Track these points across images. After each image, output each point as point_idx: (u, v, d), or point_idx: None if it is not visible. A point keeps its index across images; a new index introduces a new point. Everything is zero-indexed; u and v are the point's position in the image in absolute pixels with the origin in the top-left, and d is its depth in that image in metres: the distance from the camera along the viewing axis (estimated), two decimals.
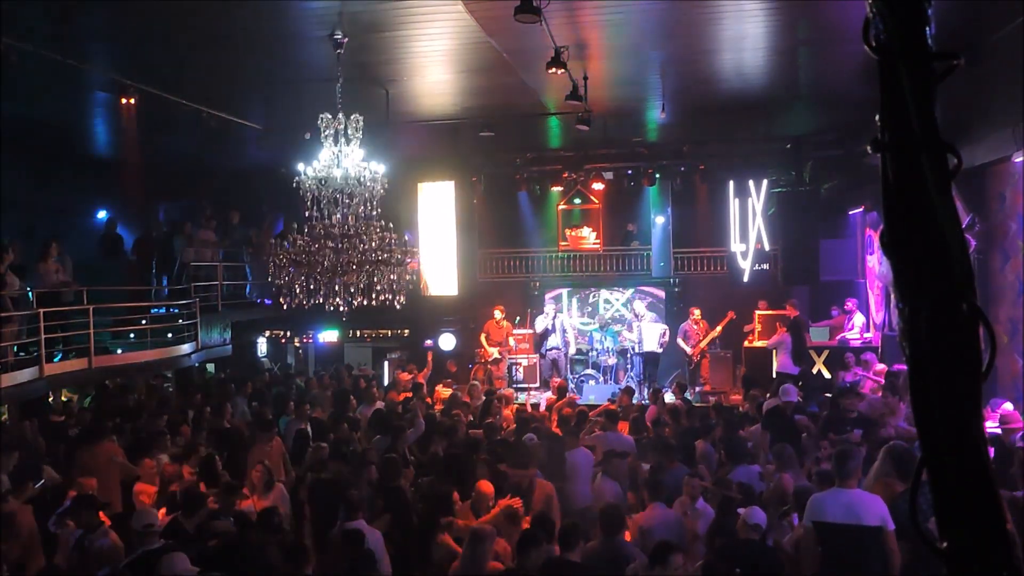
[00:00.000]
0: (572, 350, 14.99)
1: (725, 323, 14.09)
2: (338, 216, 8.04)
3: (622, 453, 7.25)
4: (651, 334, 14.18)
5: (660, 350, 14.21)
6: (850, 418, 8.22)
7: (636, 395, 13.60)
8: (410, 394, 11.10)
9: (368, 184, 8.06)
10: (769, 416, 8.62)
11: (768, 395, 9.90)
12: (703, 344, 14.19)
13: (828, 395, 10.24)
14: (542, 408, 11.25)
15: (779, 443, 7.03)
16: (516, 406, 10.92)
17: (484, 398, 10.53)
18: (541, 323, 14.85)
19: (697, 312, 14.42)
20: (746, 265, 14.22)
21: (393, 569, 5.52)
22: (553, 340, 14.65)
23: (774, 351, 12.92)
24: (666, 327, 14.60)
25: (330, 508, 6.15)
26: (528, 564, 4.80)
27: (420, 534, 5.75)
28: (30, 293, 10.10)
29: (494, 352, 14.31)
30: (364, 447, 8.16)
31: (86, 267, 11.73)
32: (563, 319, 15.12)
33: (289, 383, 12.72)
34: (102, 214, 14.46)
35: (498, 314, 14.65)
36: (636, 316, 14.70)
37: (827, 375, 12.56)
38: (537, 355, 14.91)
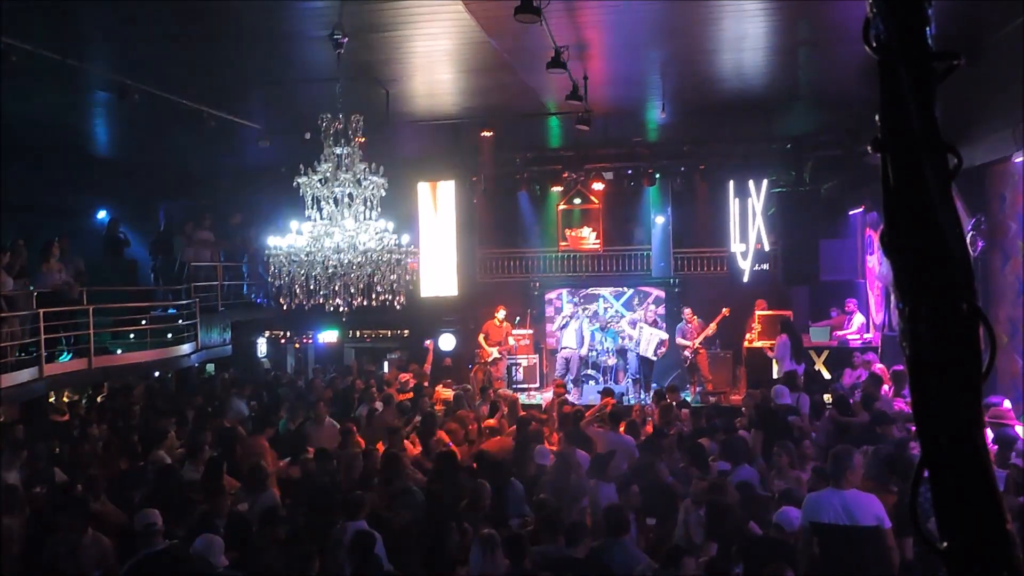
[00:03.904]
0: (584, 351, 15.00)
1: (719, 319, 14.02)
2: (338, 216, 8.03)
3: (611, 453, 7.19)
4: (650, 340, 14.11)
5: (655, 359, 14.15)
6: (854, 437, 7.80)
7: (636, 396, 13.65)
8: (411, 395, 11.08)
9: (368, 184, 8.05)
10: (763, 417, 8.60)
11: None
12: (697, 342, 14.05)
13: (825, 395, 10.21)
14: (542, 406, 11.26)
15: (777, 443, 7.03)
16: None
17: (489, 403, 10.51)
18: (558, 321, 15.18)
19: (688, 311, 14.32)
20: (746, 265, 14.20)
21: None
22: (568, 339, 14.74)
23: (775, 359, 12.86)
24: (667, 336, 14.49)
25: (327, 509, 6.12)
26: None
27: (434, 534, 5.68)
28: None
29: (493, 352, 14.30)
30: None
31: (86, 267, 11.73)
32: (583, 322, 15.24)
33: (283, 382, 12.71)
34: (102, 214, 14.46)
35: (500, 314, 14.65)
36: (644, 319, 14.69)
37: (827, 375, 12.54)
38: (538, 356, 15.02)
